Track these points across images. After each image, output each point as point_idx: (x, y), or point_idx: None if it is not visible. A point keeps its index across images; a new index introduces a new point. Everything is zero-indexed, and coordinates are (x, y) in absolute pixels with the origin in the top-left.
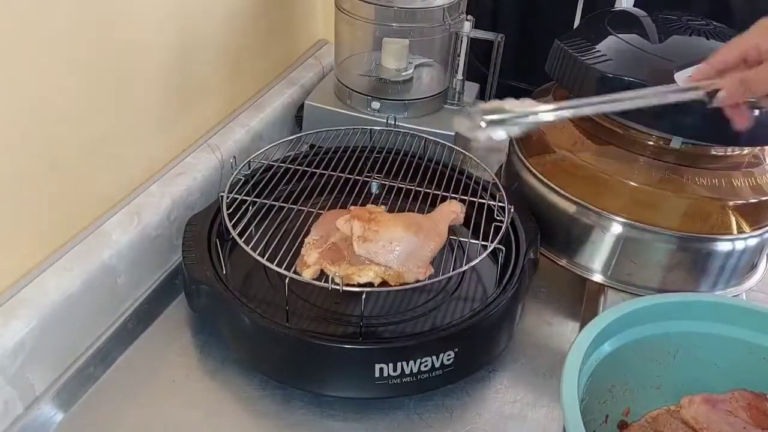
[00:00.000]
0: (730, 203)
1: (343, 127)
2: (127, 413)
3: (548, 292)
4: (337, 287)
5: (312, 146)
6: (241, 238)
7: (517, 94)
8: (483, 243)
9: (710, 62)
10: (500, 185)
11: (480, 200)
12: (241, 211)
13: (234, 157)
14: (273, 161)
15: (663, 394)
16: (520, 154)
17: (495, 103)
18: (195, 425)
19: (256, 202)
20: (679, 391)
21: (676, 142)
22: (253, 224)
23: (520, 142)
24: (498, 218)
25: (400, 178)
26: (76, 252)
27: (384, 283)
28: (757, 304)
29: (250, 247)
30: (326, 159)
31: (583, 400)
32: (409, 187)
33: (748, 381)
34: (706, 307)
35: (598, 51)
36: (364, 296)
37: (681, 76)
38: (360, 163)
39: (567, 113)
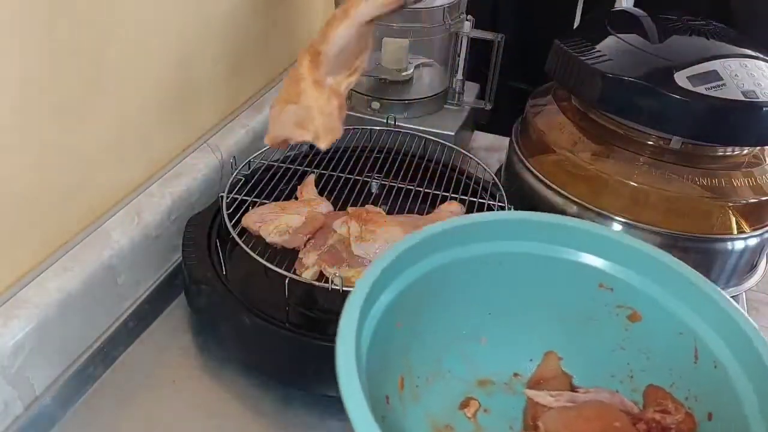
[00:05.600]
0: (730, 203)
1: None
2: (127, 413)
3: None
4: (337, 288)
5: (312, 146)
6: (241, 238)
7: (518, 94)
8: None
9: None
10: (500, 185)
11: (480, 200)
12: (241, 212)
13: (234, 157)
14: (273, 161)
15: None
16: (520, 154)
17: None
18: (195, 425)
19: (256, 202)
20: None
21: (676, 142)
22: None
23: (520, 141)
24: None
25: (400, 178)
26: (76, 252)
27: None
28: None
29: (249, 247)
30: (326, 159)
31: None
32: (409, 187)
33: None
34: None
35: (598, 51)
36: None
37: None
38: (360, 163)
39: None
